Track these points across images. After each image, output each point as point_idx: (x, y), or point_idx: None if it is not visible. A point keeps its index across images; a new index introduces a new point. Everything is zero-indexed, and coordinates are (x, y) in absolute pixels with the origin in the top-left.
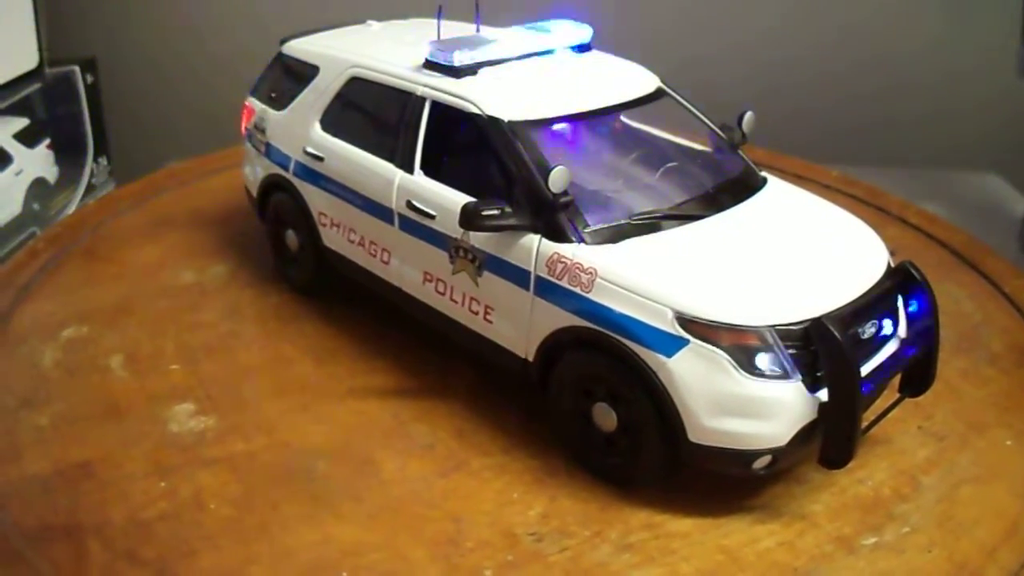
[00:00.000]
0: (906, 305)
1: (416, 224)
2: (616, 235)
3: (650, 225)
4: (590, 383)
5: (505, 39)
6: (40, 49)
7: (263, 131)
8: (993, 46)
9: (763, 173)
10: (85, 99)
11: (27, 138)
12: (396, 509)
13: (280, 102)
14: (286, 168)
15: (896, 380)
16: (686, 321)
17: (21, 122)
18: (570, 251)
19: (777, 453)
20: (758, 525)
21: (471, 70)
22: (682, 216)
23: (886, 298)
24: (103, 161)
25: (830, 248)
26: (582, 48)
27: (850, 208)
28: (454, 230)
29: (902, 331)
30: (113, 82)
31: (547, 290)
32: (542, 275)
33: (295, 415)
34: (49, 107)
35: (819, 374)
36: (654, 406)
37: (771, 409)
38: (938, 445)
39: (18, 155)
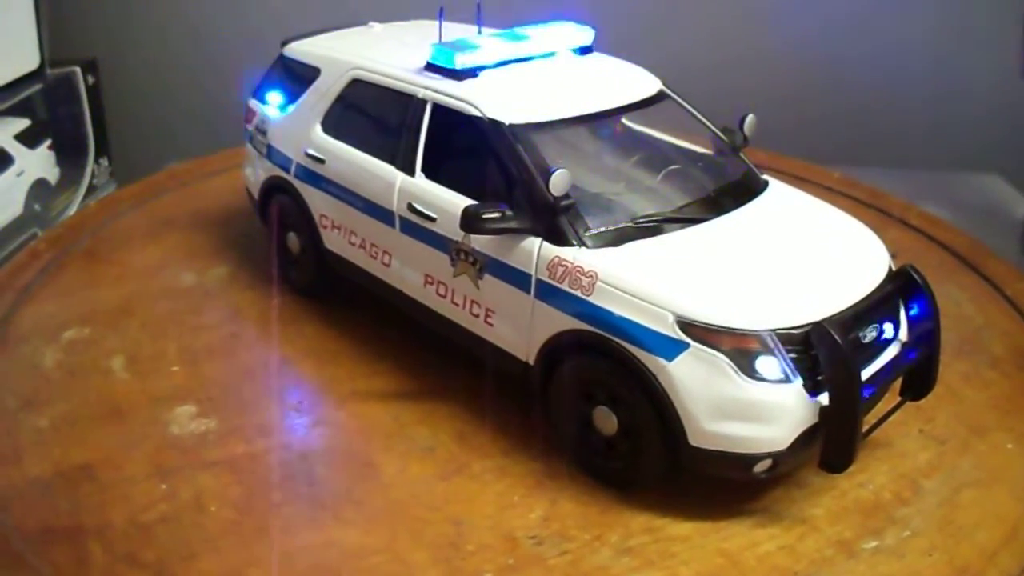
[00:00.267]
0: (907, 308)
1: (417, 227)
2: (617, 238)
3: (651, 228)
4: (591, 386)
5: (506, 41)
6: (41, 50)
7: (264, 133)
8: (994, 47)
9: (764, 176)
10: (86, 100)
11: (28, 139)
12: (397, 512)
13: (281, 104)
14: (287, 170)
15: (897, 384)
16: (687, 325)
17: (22, 123)
18: (571, 254)
19: (778, 457)
20: (758, 529)
21: (472, 72)
22: (683, 219)
23: (887, 302)
24: (104, 162)
25: (831, 251)
26: (584, 50)
27: (851, 210)
28: (455, 233)
29: (903, 335)
30: (114, 83)
31: (548, 293)
32: (543, 278)
33: (296, 417)
34: (50, 108)
35: (820, 378)
36: (655, 410)
37: (772, 413)
38: (939, 449)
39: (19, 156)
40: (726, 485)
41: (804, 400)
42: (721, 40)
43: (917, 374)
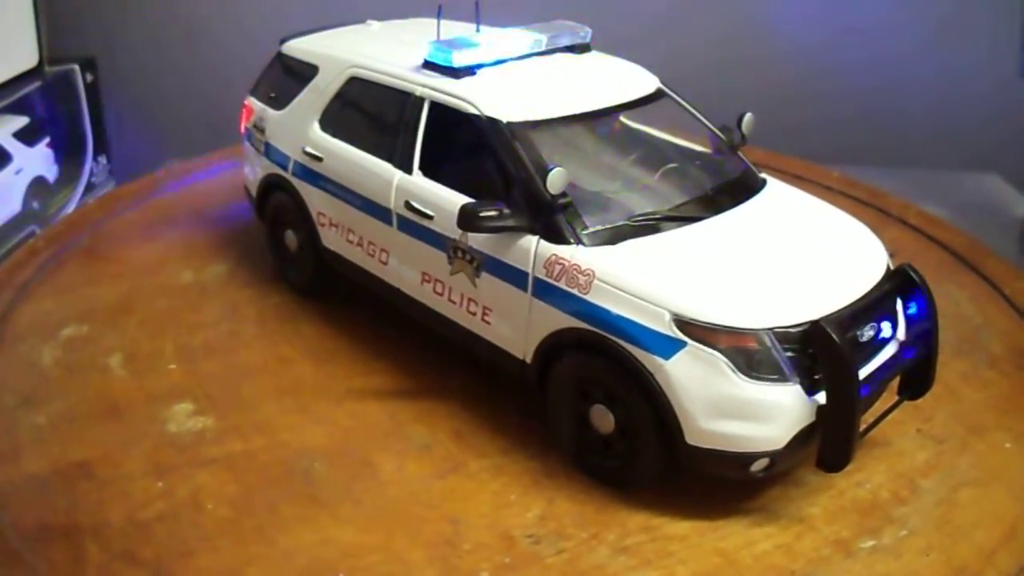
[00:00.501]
0: (905, 307)
1: (414, 225)
2: (614, 236)
3: (649, 227)
4: (588, 385)
5: (504, 39)
6: (40, 48)
7: (262, 131)
8: (994, 46)
9: (762, 175)
10: (85, 98)
11: (27, 137)
12: (394, 510)
13: (279, 102)
14: (285, 168)
15: (895, 383)
16: (683, 323)
17: (21, 121)
18: (568, 252)
19: (775, 456)
20: (755, 528)
21: (470, 70)
22: (681, 218)
23: (885, 300)
24: (103, 160)
25: (829, 250)
26: (582, 49)
27: (850, 209)
28: (452, 231)
29: (901, 333)
30: (113, 81)
31: (545, 291)
32: (540, 276)
33: (293, 416)
34: (49, 106)
35: (817, 377)
36: (651, 408)
37: (769, 412)
38: (937, 448)
39: (18, 154)
40: (723, 484)
41: (801, 399)
42: (721, 40)
43: (915, 373)
